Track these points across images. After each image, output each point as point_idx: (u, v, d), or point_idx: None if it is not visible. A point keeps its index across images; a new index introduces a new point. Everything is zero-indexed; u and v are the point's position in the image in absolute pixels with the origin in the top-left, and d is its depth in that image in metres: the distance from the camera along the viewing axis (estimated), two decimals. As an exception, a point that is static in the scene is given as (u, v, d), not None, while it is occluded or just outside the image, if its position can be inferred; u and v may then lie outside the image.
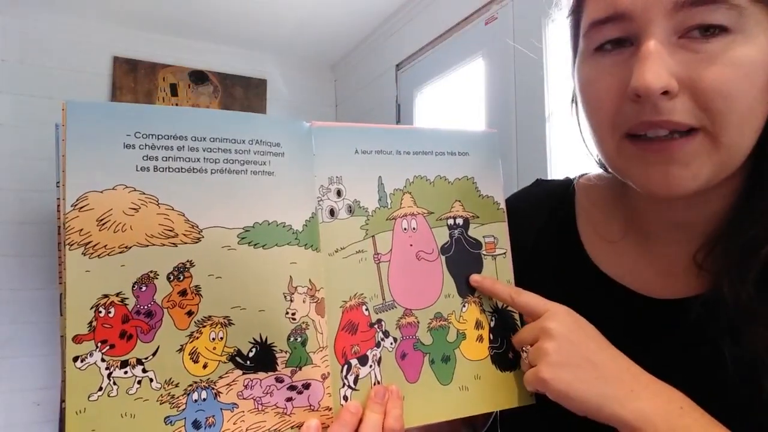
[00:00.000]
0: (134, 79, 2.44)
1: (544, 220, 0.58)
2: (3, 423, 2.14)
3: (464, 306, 0.51)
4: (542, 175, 0.66)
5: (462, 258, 0.52)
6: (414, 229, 0.50)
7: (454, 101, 2.06)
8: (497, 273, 0.53)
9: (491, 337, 0.52)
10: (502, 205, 0.54)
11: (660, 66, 0.38)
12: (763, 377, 0.40)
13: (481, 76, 1.85)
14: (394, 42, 2.37)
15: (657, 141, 0.41)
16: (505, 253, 0.53)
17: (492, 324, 0.52)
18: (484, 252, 0.53)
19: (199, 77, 2.58)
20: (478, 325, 0.51)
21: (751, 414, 0.41)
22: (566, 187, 0.59)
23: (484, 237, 0.53)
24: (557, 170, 1.54)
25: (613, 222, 0.53)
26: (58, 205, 0.39)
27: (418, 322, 0.49)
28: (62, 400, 0.38)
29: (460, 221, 0.52)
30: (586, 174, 0.60)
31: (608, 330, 0.49)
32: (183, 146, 0.41)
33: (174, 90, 2.52)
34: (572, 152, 1.53)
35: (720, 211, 0.46)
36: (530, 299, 0.48)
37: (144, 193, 0.41)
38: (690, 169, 0.41)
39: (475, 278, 0.51)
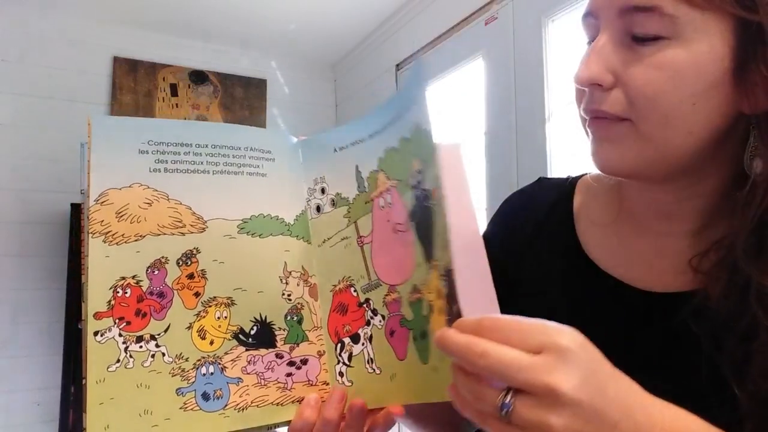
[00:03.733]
0: (134, 79, 2.44)
1: (544, 214, 0.59)
2: (3, 423, 2.14)
3: (429, 272, 0.43)
4: (542, 176, 0.67)
5: (424, 217, 0.44)
6: (390, 203, 0.49)
7: (454, 101, 2.06)
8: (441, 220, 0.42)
9: (446, 306, 0.40)
10: (433, 136, 0.43)
11: (595, 61, 0.43)
12: (737, 382, 0.41)
13: (481, 76, 1.85)
14: (394, 42, 2.37)
15: (593, 120, 0.46)
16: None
17: (446, 290, 0.40)
18: (432, 201, 0.43)
19: (199, 77, 2.58)
20: (439, 293, 0.42)
21: (724, 416, 0.41)
22: (568, 183, 0.61)
23: (431, 184, 0.43)
24: (557, 170, 1.54)
25: (608, 211, 0.55)
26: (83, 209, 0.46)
27: (401, 297, 0.47)
28: (83, 377, 0.43)
29: (420, 177, 0.45)
30: (589, 173, 0.61)
31: (596, 320, 0.50)
32: (189, 152, 0.48)
33: (174, 90, 2.52)
34: (572, 152, 1.53)
35: (707, 206, 0.47)
36: (492, 361, 0.33)
37: (156, 190, 0.47)
38: (617, 150, 0.45)
39: (437, 339, 0.37)
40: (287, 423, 0.47)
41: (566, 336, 0.33)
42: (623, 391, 0.34)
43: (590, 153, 0.48)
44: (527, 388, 0.32)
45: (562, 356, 0.32)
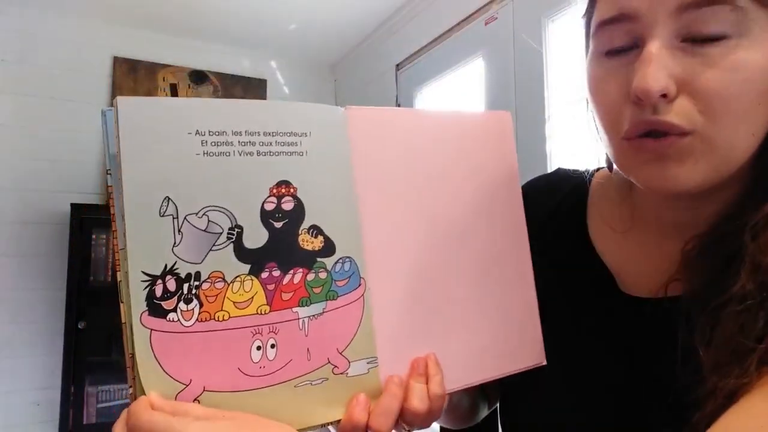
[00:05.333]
0: (134, 79, 2.44)
1: (555, 203, 0.59)
2: (3, 423, 2.14)
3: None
4: (560, 167, 0.67)
5: None
6: None
7: (454, 101, 2.07)
8: None
9: None
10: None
11: (660, 69, 0.39)
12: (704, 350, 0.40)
13: (481, 76, 1.85)
14: (394, 42, 2.37)
15: (652, 139, 0.42)
16: None
17: None
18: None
19: (199, 77, 2.58)
20: None
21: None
22: (583, 175, 0.60)
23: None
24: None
25: (620, 213, 0.54)
26: (110, 192, 0.39)
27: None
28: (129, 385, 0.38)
29: None
30: (605, 167, 0.60)
31: (588, 316, 0.51)
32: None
33: (174, 90, 2.52)
34: (572, 152, 1.53)
35: (720, 212, 0.46)
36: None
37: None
38: (684, 166, 0.41)
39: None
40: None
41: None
42: None
43: (643, 177, 0.44)
44: None
45: None
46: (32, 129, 2.27)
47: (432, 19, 2.09)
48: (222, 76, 2.62)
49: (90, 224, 2.14)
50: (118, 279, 0.38)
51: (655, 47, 0.40)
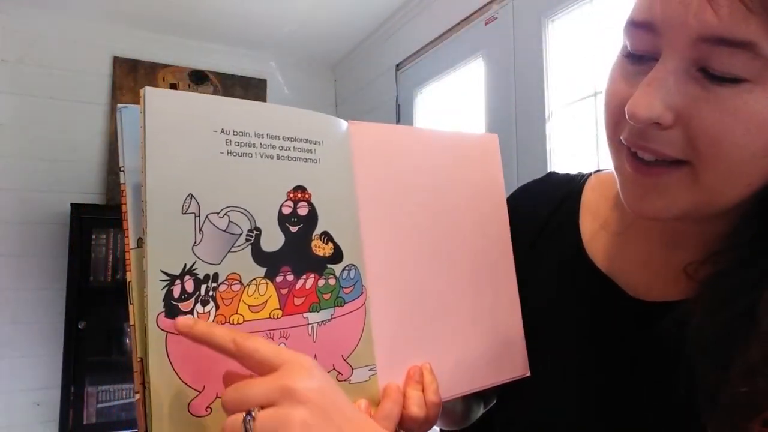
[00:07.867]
0: (134, 79, 2.44)
1: (550, 211, 0.58)
2: (3, 423, 2.14)
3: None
4: (553, 171, 0.66)
5: None
6: None
7: (454, 101, 2.06)
8: None
9: None
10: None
11: (656, 96, 0.37)
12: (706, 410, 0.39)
13: (481, 76, 1.85)
14: (394, 42, 2.37)
15: (643, 164, 0.40)
16: None
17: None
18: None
19: (199, 77, 2.58)
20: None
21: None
22: (577, 180, 0.59)
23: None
24: (557, 170, 1.54)
25: (619, 215, 0.53)
26: (123, 191, 0.38)
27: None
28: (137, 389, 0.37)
29: None
30: (602, 171, 0.59)
31: (587, 319, 0.50)
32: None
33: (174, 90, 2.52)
34: (572, 152, 1.53)
35: (728, 231, 0.45)
36: (260, 346, 0.35)
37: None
38: (664, 200, 0.40)
39: (183, 322, 0.36)
40: None
41: (303, 357, 0.36)
42: (347, 402, 0.37)
43: (625, 192, 0.43)
44: (266, 399, 0.34)
45: (297, 368, 0.35)
46: (32, 129, 2.26)
47: (432, 19, 2.09)
48: (222, 76, 2.62)
49: (90, 224, 2.14)
50: (128, 279, 0.37)
51: (664, 70, 0.37)
